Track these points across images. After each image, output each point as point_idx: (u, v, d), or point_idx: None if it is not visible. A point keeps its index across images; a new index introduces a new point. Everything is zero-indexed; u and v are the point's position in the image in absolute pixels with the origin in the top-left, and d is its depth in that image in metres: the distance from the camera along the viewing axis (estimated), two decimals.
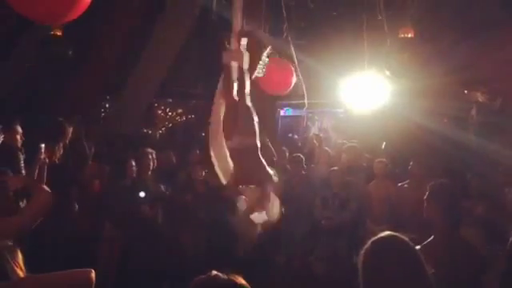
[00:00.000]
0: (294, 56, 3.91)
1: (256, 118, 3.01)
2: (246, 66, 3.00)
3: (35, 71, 8.12)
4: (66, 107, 7.44)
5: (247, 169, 2.80)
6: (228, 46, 3.04)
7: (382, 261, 1.72)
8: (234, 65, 2.98)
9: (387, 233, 1.83)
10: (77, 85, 8.26)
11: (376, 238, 1.81)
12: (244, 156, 2.84)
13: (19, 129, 4.23)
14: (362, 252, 1.79)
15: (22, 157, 4.06)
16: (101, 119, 9.86)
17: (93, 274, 2.12)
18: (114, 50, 8.39)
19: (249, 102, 3.04)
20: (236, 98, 3.02)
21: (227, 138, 2.87)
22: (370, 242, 1.80)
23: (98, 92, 9.21)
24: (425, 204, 2.95)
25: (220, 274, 1.41)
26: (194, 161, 6.17)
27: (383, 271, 1.70)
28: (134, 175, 5.23)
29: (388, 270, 1.70)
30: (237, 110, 3.04)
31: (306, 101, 4.66)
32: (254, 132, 2.98)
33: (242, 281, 1.42)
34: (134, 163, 5.25)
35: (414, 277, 1.69)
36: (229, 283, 1.38)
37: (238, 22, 3.07)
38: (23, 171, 3.98)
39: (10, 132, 4.17)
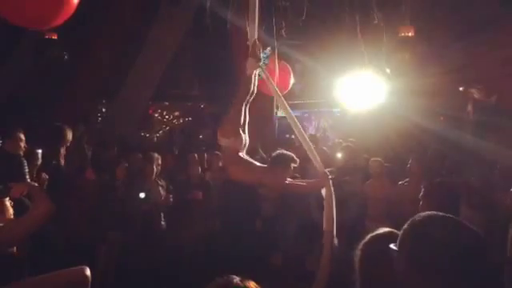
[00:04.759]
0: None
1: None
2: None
3: (30, 76, 8.10)
4: (62, 111, 7.42)
5: None
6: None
7: (380, 257, 1.73)
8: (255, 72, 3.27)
9: (385, 229, 1.84)
10: (73, 89, 8.24)
11: (374, 233, 1.82)
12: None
13: (22, 136, 4.22)
14: (360, 247, 1.80)
15: (25, 164, 4.08)
16: (97, 123, 9.84)
17: (88, 271, 2.13)
18: (109, 53, 8.37)
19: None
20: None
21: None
22: (367, 238, 1.81)
23: (94, 96, 9.20)
24: (420, 202, 2.93)
25: (235, 278, 1.45)
26: (193, 162, 6.17)
27: (381, 267, 1.71)
28: (127, 178, 5.25)
29: (385, 266, 1.70)
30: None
31: (275, 103, 4.74)
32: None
33: (253, 285, 1.46)
34: (126, 165, 5.28)
35: None
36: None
37: (254, 31, 3.32)
38: (27, 178, 4.00)
39: (12, 140, 4.17)
